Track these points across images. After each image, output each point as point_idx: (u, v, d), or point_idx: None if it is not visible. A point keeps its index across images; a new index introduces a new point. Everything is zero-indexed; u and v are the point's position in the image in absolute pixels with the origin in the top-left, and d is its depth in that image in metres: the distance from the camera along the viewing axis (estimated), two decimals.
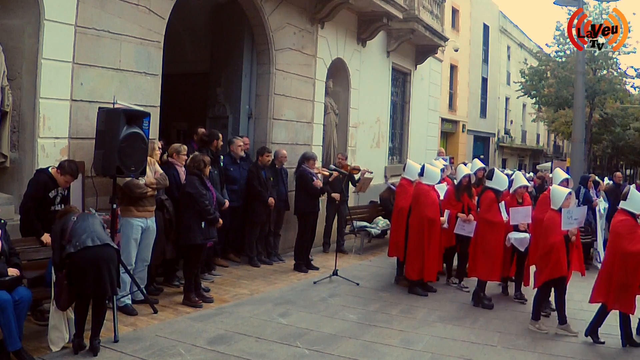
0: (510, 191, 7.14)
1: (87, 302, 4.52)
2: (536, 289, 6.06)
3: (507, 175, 7.72)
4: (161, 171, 6.16)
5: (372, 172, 10.59)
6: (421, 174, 7.30)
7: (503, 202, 6.90)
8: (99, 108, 5.59)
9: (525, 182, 7.33)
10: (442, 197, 7.53)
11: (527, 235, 6.76)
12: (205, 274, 7.17)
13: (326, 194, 8.92)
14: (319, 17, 9.91)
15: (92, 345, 4.47)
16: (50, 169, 5.18)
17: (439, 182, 7.60)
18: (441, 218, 7.20)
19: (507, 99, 31.81)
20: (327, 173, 9.06)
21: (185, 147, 6.92)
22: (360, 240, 10.00)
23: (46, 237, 4.99)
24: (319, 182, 8.27)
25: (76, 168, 5.23)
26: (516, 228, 6.81)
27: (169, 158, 6.74)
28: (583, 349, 5.43)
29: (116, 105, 5.61)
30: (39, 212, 5.08)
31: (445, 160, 10.77)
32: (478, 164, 8.53)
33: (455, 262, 7.96)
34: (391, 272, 8.06)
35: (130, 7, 6.32)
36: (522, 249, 6.77)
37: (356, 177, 10.05)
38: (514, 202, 7.00)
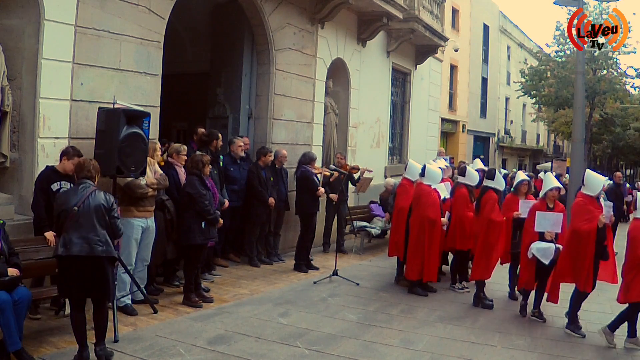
0: (540, 194, 6.46)
1: (80, 308, 4.29)
2: (627, 305, 5.42)
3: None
4: (161, 171, 6.16)
5: (371, 171, 10.60)
6: (422, 174, 7.29)
7: (524, 202, 6.71)
8: (99, 108, 5.59)
9: (557, 184, 6.38)
10: (443, 197, 7.52)
11: (552, 245, 5.99)
12: (205, 274, 7.17)
13: (325, 194, 8.92)
14: (319, 17, 9.91)
15: (96, 354, 4.27)
16: (54, 165, 5.23)
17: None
18: (442, 219, 7.20)
19: (507, 99, 31.79)
20: (327, 173, 9.07)
21: (185, 147, 6.92)
22: (360, 240, 10.00)
23: (49, 235, 4.97)
24: (322, 190, 8.30)
25: (79, 150, 5.28)
26: (541, 237, 6.06)
27: (169, 158, 6.74)
28: (583, 349, 5.42)
29: (116, 105, 5.60)
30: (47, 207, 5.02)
31: (446, 160, 10.76)
32: (479, 164, 8.49)
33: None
34: (391, 272, 8.06)
35: (130, 7, 6.32)
36: (547, 262, 5.96)
37: (356, 176, 10.05)
38: (543, 206, 6.24)
